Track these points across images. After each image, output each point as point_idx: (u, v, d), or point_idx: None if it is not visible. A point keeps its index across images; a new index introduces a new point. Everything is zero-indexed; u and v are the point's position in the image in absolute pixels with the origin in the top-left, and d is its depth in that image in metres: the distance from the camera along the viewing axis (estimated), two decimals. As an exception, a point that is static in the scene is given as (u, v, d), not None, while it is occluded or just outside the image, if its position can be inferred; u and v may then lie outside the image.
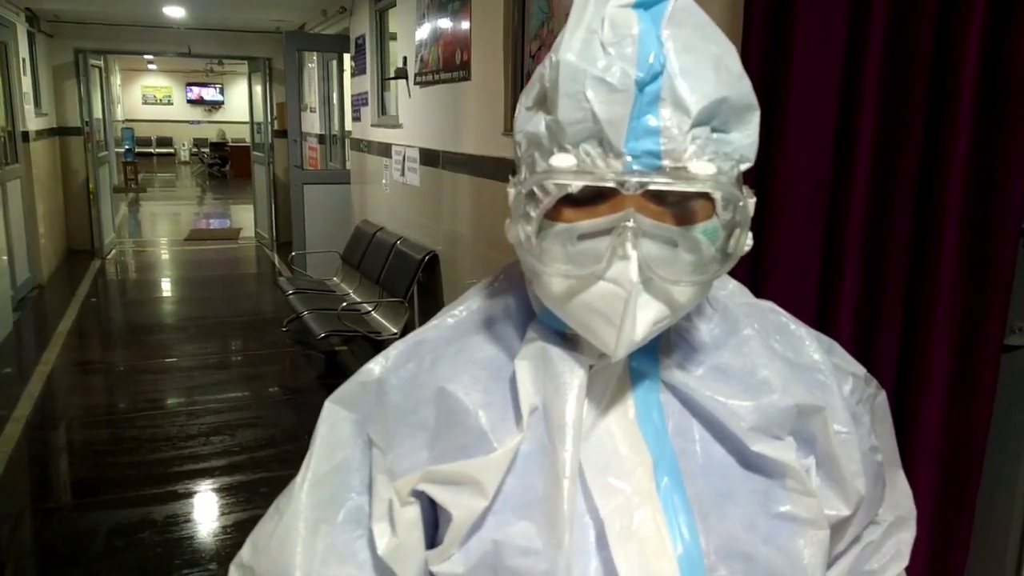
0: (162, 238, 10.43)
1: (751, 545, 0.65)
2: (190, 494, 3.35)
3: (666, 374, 0.67)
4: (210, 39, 9.13)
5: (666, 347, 0.68)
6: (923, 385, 1.40)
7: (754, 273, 1.59)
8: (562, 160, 0.59)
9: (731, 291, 0.75)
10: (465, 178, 4.00)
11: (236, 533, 3.04)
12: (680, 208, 0.59)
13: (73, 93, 8.36)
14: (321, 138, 8.23)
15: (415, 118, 4.79)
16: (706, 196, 0.60)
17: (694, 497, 0.64)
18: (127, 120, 18.48)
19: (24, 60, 6.96)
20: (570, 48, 0.58)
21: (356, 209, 6.39)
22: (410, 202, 4.95)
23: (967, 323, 1.36)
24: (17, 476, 3.56)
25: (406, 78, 4.83)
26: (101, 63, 9.64)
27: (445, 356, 0.71)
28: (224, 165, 18.22)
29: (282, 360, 5.26)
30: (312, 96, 8.42)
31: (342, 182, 6.79)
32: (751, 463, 0.67)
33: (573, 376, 0.65)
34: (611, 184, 0.57)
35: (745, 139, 0.61)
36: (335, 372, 5.05)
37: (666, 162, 0.57)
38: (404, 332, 4.44)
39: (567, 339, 0.68)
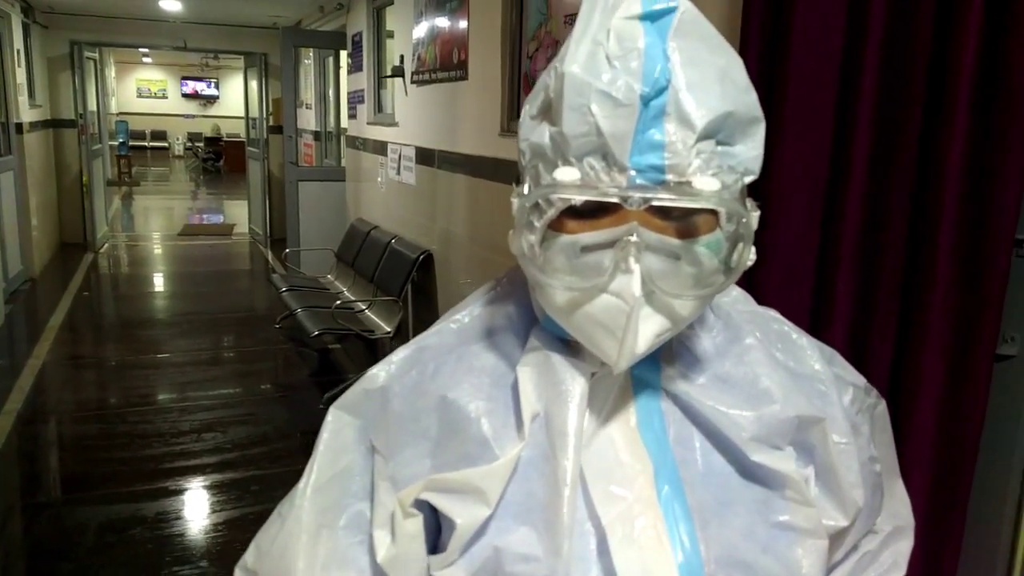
0: (155, 232, 10.39)
1: (750, 554, 0.65)
2: (181, 491, 3.35)
3: (668, 382, 0.68)
4: (206, 33, 9.09)
5: (668, 355, 0.69)
6: (916, 393, 1.40)
7: (749, 278, 1.59)
8: (566, 174, 0.59)
9: (734, 298, 0.76)
10: (461, 178, 4.00)
11: (227, 530, 3.04)
12: (683, 222, 0.60)
13: (68, 85, 8.31)
14: (316, 135, 8.21)
15: (411, 117, 4.78)
16: (710, 210, 0.60)
17: (694, 506, 0.65)
18: (121, 113, 18.39)
19: (19, 51, 6.92)
20: (575, 60, 0.58)
21: (351, 207, 6.38)
22: (405, 201, 4.95)
23: (960, 332, 1.37)
24: (7, 470, 3.54)
25: (403, 76, 4.82)
26: (96, 55, 9.59)
27: (447, 364, 0.71)
28: (218, 160, 18.16)
29: (275, 357, 5.26)
30: (308, 92, 8.40)
31: (337, 179, 6.77)
32: (750, 473, 0.67)
33: (575, 383, 0.65)
34: (615, 200, 0.57)
35: (750, 152, 0.61)
36: (328, 370, 5.04)
37: (670, 177, 0.57)
38: (398, 331, 4.43)
39: (569, 346, 0.68)
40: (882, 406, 0.81)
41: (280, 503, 0.77)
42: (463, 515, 0.65)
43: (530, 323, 0.72)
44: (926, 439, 1.39)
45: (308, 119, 8.36)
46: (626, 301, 0.58)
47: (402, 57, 4.87)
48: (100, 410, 4.27)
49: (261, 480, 3.42)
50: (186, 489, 3.37)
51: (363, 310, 4.93)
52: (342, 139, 7.38)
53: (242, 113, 10.10)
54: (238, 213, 11.09)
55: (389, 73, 5.03)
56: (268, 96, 8.79)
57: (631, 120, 0.56)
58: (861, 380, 0.78)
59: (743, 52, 1.60)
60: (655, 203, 0.57)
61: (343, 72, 7.10)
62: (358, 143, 6.07)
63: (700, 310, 0.63)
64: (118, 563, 2.81)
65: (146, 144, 20.30)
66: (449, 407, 0.69)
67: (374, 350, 5.03)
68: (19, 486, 3.45)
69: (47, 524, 3.06)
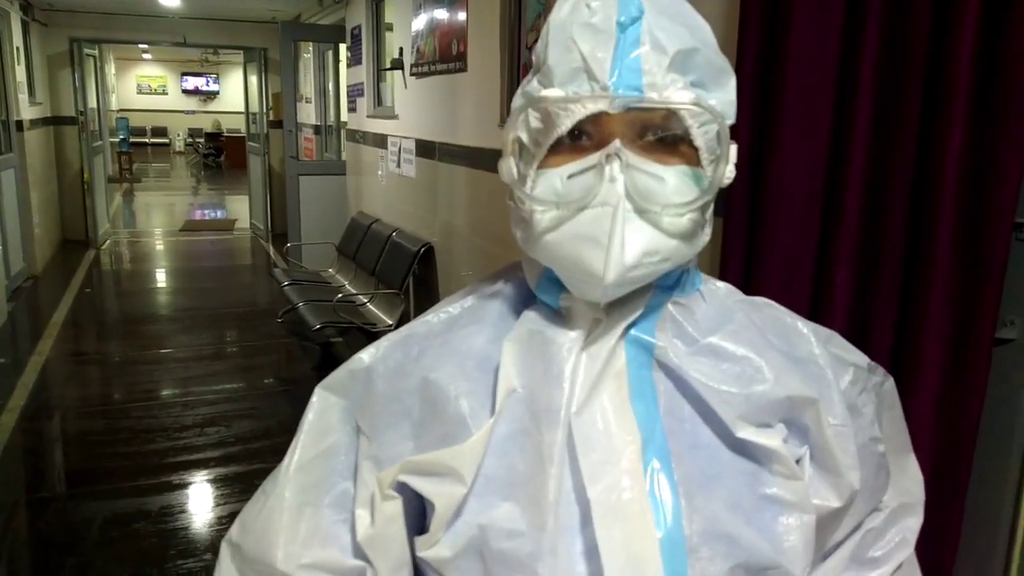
0: (157, 229, 10.39)
1: (734, 527, 0.65)
2: (185, 485, 3.36)
3: (660, 353, 0.68)
4: (205, 28, 9.08)
5: (662, 327, 0.69)
6: (916, 378, 1.40)
7: (749, 265, 1.59)
8: (552, 92, 0.63)
9: (726, 290, 0.76)
10: (461, 170, 4.00)
11: (230, 524, 3.01)
12: (665, 149, 0.62)
13: (68, 82, 8.31)
14: (317, 129, 8.20)
15: (411, 109, 4.78)
16: (690, 145, 0.63)
17: (681, 477, 0.65)
18: (122, 110, 18.39)
19: (18, 49, 6.92)
20: (559, 12, 0.65)
21: (352, 200, 6.38)
22: (406, 193, 4.95)
23: (960, 316, 1.37)
24: (12, 466, 3.55)
25: (402, 69, 4.82)
26: (96, 52, 9.60)
27: (432, 347, 0.72)
28: (219, 155, 18.16)
29: (277, 351, 5.26)
30: (308, 86, 8.39)
31: (338, 173, 6.77)
32: (739, 446, 0.68)
33: (565, 355, 0.66)
34: (599, 107, 0.60)
35: (724, 97, 0.65)
36: (330, 363, 5.02)
37: (649, 95, 0.61)
38: (400, 323, 4.42)
39: (561, 318, 0.69)
40: (889, 383, 0.80)
41: (265, 480, 0.77)
42: (440, 495, 0.65)
43: (523, 308, 0.72)
44: (926, 423, 1.39)
45: (308, 113, 8.35)
46: (610, 204, 0.60)
47: (401, 50, 4.86)
48: (103, 406, 4.29)
49: (264, 474, 3.33)
50: (190, 483, 3.38)
51: (365, 303, 4.94)
52: (342, 133, 7.38)
53: (242, 108, 10.10)
54: (239, 208, 11.09)
55: (388, 66, 5.03)
56: (268, 91, 8.78)
57: (610, 44, 0.61)
58: (863, 359, 0.78)
59: (742, 45, 1.59)
60: (635, 106, 0.60)
61: (342, 66, 7.09)
62: (358, 136, 6.07)
63: (687, 237, 0.64)
64: (123, 557, 2.82)
65: (147, 140, 20.32)
66: (430, 387, 0.69)
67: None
68: (24, 481, 3.47)
69: (52, 519, 3.07)
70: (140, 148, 18.88)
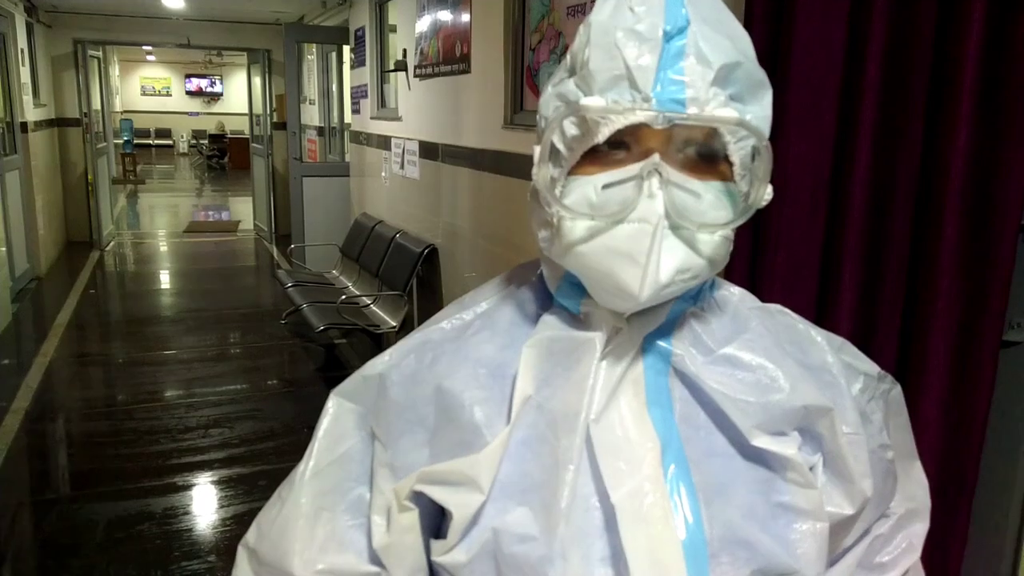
0: (161, 230, 10.41)
1: (751, 533, 0.65)
2: (189, 486, 3.36)
3: (677, 361, 0.68)
4: (209, 30, 9.10)
5: (679, 335, 0.69)
6: (922, 380, 1.40)
7: (753, 267, 1.59)
8: (592, 101, 0.61)
9: (740, 296, 0.76)
10: (465, 171, 3.99)
11: (235, 525, 3.05)
12: (702, 165, 0.62)
13: (72, 84, 8.33)
14: (320, 130, 8.20)
15: (415, 111, 4.78)
16: (726, 160, 0.62)
17: (699, 484, 0.65)
18: (126, 111, 18.44)
19: (23, 51, 6.93)
20: (601, 13, 0.62)
21: (355, 202, 6.38)
22: (409, 195, 4.95)
23: (966, 318, 1.36)
24: (16, 468, 3.56)
25: (406, 70, 4.82)
26: (100, 54, 9.61)
27: (445, 354, 0.72)
28: (223, 157, 18.18)
29: (281, 353, 5.27)
30: (311, 88, 8.40)
31: (341, 175, 6.77)
32: (753, 454, 0.68)
33: (585, 361, 0.66)
34: (641, 119, 0.59)
35: (761, 112, 0.64)
36: (334, 365, 5.05)
37: (691, 109, 0.59)
38: (403, 325, 4.44)
39: (581, 323, 0.68)
40: (896, 390, 0.81)
41: (280, 486, 0.78)
42: (458, 504, 0.65)
43: (540, 312, 0.72)
44: (932, 425, 1.39)
45: (312, 115, 8.36)
46: (650, 222, 0.59)
47: (405, 51, 4.87)
48: (108, 407, 4.29)
49: (268, 475, 3.43)
50: (194, 485, 3.38)
51: (368, 305, 4.94)
52: (346, 134, 7.38)
53: (246, 110, 10.11)
54: (243, 210, 11.11)
55: (392, 67, 5.03)
56: (272, 92, 8.79)
57: (654, 54, 0.60)
58: (874, 368, 0.78)
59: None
60: (679, 122, 0.59)
61: (346, 67, 7.10)
62: (362, 138, 6.07)
63: (719, 257, 0.64)
64: (127, 559, 2.82)
65: (151, 142, 20.36)
66: (444, 395, 0.69)
67: (380, 344, 5.04)
68: (28, 483, 3.47)
69: (56, 520, 3.07)
70: (144, 150, 18.92)
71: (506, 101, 3.43)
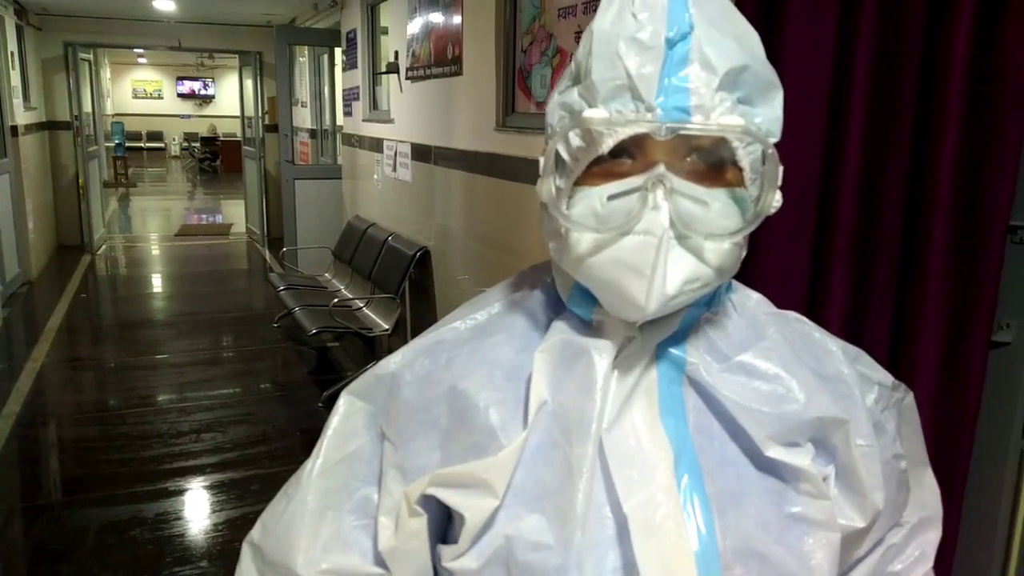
0: (152, 233, 10.38)
1: (764, 544, 0.65)
2: (181, 491, 3.35)
3: (691, 369, 0.67)
4: (200, 33, 9.07)
5: (694, 343, 0.68)
6: (911, 381, 1.39)
7: (744, 267, 1.59)
8: (595, 113, 0.60)
9: (756, 301, 0.75)
10: (457, 173, 3.99)
11: (227, 530, 3.04)
12: (709, 172, 0.61)
13: (62, 87, 8.30)
14: (312, 133, 8.19)
15: (407, 113, 4.78)
16: (734, 165, 0.61)
17: (712, 495, 0.64)
18: (117, 114, 18.37)
19: (12, 53, 6.90)
20: (603, 20, 0.62)
21: (347, 205, 6.37)
22: (402, 197, 4.94)
23: (955, 319, 1.36)
24: (7, 473, 3.54)
25: (397, 73, 4.81)
26: (91, 57, 9.58)
27: (460, 355, 0.71)
28: (215, 160, 18.14)
29: (273, 356, 5.25)
30: (303, 91, 8.38)
31: (334, 177, 6.76)
32: (766, 464, 0.67)
33: (597, 369, 0.65)
34: (644, 130, 0.58)
35: (770, 114, 0.63)
36: (326, 368, 5.04)
37: (696, 117, 0.59)
38: (396, 328, 4.43)
39: (593, 330, 0.68)
40: (909, 397, 0.80)
41: (287, 483, 0.77)
42: (471, 509, 0.64)
43: (550, 318, 0.71)
44: (922, 427, 1.39)
45: (304, 117, 8.34)
46: (654, 235, 0.58)
47: (396, 53, 4.86)
48: (99, 412, 4.27)
49: (261, 479, 3.42)
50: (186, 490, 3.37)
51: (361, 308, 4.93)
52: (338, 137, 7.37)
53: (238, 112, 10.08)
54: (235, 213, 11.07)
55: (384, 70, 5.02)
56: (263, 95, 8.77)
57: (657, 62, 0.59)
58: (888, 378, 0.78)
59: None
60: (683, 132, 0.58)
61: (338, 69, 7.09)
62: (354, 140, 6.06)
63: (726, 266, 0.63)
64: (119, 564, 2.81)
65: (142, 145, 20.28)
66: (458, 397, 0.68)
67: (372, 348, 5.03)
68: (19, 489, 3.45)
69: (47, 526, 3.06)
70: (136, 153, 18.85)
71: (498, 103, 3.43)
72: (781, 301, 0.81)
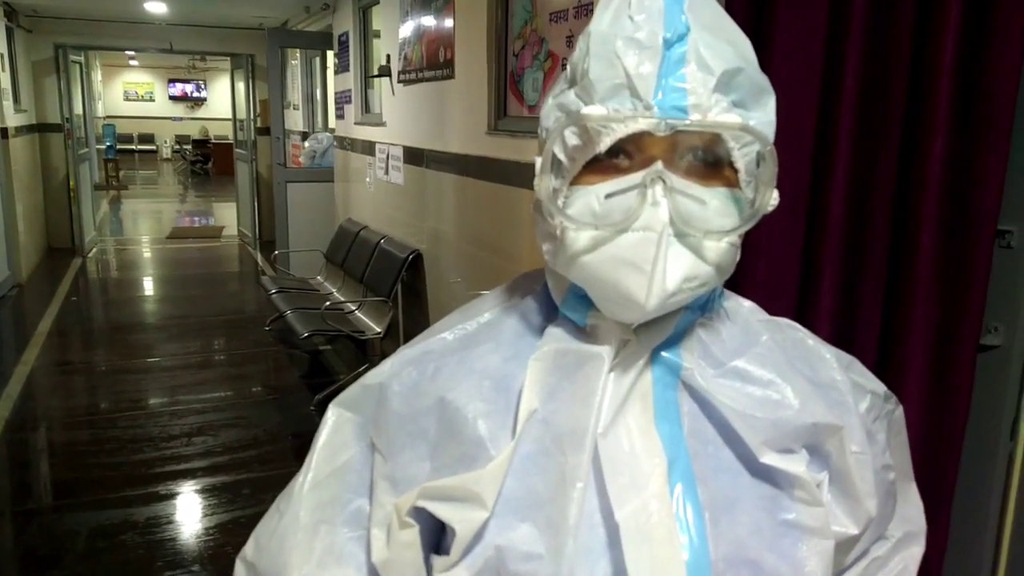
0: (144, 236, 10.34)
1: (757, 552, 0.65)
2: (172, 495, 3.33)
3: (686, 374, 0.67)
4: (192, 35, 9.05)
5: (688, 347, 0.68)
6: (901, 385, 1.41)
7: (735, 273, 1.59)
8: (593, 110, 0.60)
9: (749, 308, 0.75)
10: (449, 177, 3.99)
11: (218, 534, 3.03)
12: (706, 172, 0.61)
13: (53, 89, 8.26)
14: (304, 136, 8.18)
15: (399, 116, 4.78)
16: (730, 166, 0.62)
17: (706, 501, 0.64)
18: (108, 116, 18.29)
19: (2, 55, 6.87)
20: (600, 22, 0.62)
21: (340, 207, 6.36)
22: (394, 200, 4.94)
23: (944, 323, 1.37)
24: (-4, 478, 3.52)
25: (389, 76, 4.81)
26: (82, 59, 9.54)
27: (448, 365, 0.71)
28: (207, 162, 18.08)
29: (265, 360, 5.24)
30: (295, 93, 8.37)
31: (326, 180, 6.76)
32: (759, 471, 0.67)
33: (593, 377, 0.65)
34: (643, 127, 0.58)
35: (764, 118, 0.64)
36: (319, 372, 5.03)
37: (693, 116, 0.59)
38: (388, 331, 4.42)
39: (587, 334, 0.68)
40: (899, 411, 0.81)
41: (278, 497, 0.77)
42: (461, 521, 0.64)
43: (545, 324, 0.71)
44: (911, 430, 1.39)
45: (296, 120, 8.33)
46: (654, 230, 0.58)
47: (389, 56, 4.86)
48: (90, 416, 4.25)
49: (252, 483, 3.41)
50: (177, 493, 3.35)
51: (353, 311, 4.92)
52: (324, 135, 7.36)
53: (230, 115, 10.06)
54: (227, 215, 11.04)
55: (376, 73, 5.02)
56: (255, 97, 8.75)
57: (655, 62, 0.59)
58: (880, 387, 0.78)
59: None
60: (682, 128, 0.59)
61: (330, 72, 7.08)
62: (346, 143, 6.06)
63: (725, 264, 0.63)
64: (109, 569, 2.79)
65: (134, 147, 20.21)
66: (447, 408, 0.68)
67: (365, 351, 5.02)
68: (9, 493, 3.43)
69: (37, 531, 3.04)
70: (127, 155, 18.78)
71: (490, 107, 3.44)
72: (772, 306, 0.82)
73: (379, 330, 4.48)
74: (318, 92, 8.00)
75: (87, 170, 9.17)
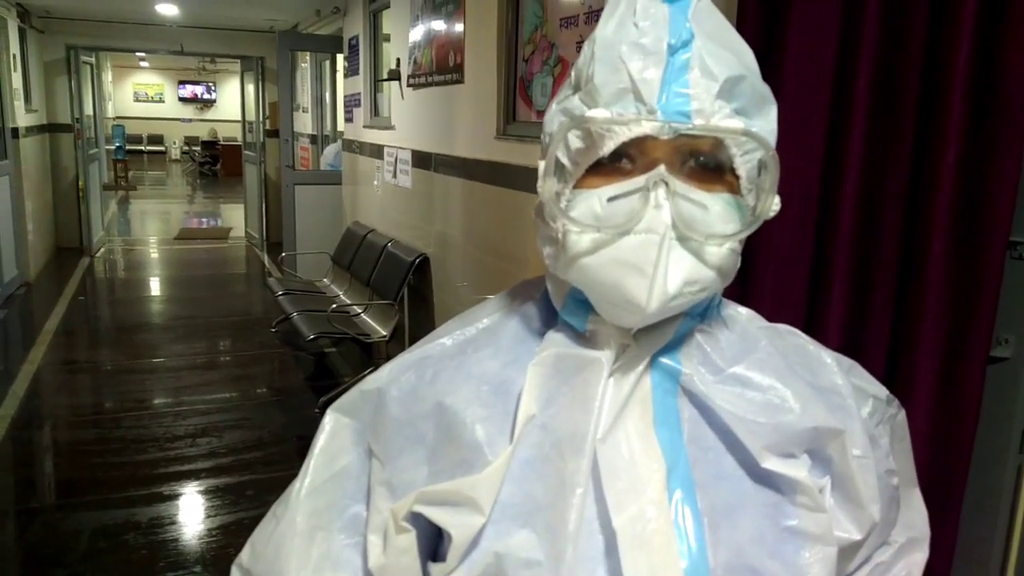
0: (151, 237, 10.38)
1: (758, 559, 0.64)
2: (176, 496, 3.33)
3: (686, 380, 0.67)
4: (203, 37, 9.09)
5: (688, 354, 0.68)
6: (910, 395, 1.40)
7: (743, 282, 1.59)
8: (597, 112, 0.61)
9: (748, 316, 0.75)
10: (457, 181, 3.99)
11: (222, 536, 3.02)
12: (708, 177, 0.61)
13: (64, 90, 8.31)
14: (313, 138, 8.20)
15: (408, 120, 4.78)
16: (732, 173, 0.62)
17: (706, 508, 0.64)
18: (118, 117, 18.39)
19: (15, 56, 6.91)
20: (605, 28, 0.63)
21: (347, 210, 6.38)
22: (401, 204, 4.95)
23: (954, 334, 1.36)
24: (1, 476, 3.53)
25: (399, 80, 4.82)
26: (92, 60, 9.59)
27: (446, 370, 0.71)
28: (215, 164, 18.16)
29: (271, 361, 5.24)
30: (304, 96, 8.40)
31: (334, 183, 6.77)
32: (762, 476, 0.66)
33: (594, 381, 0.65)
34: (647, 131, 0.59)
35: (766, 126, 0.64)
36: (324, 374, 5.03)
37: (697, 121, 0.59)
38: (394, 335, 4.42)
39: (587, 339, 0.67)
40: (902, 415, 0.80)
41: (275, 504, 0.76)
42: (457, 526, 0.63)
43: (544, 330, 0.71)
44: (920, 442, 1.39)
45: (305, 123, 8.35)
46: (656, 232, 0.58)
47: (398, 60, 4.87)
48: (95, 415, 4.26)
49: (256, 485, 3.41)
50: (180, 494, 3.35)
51: (359, 314, 4.92)
52: (338, 143, 7.38)
53: (239, 117, 10.10)
54: (235, 217, 11.08)
55: (385, 76, 5.03)
56: (265, 100, 8.78)
57: (659, 67, 0.60)
58: (882, 391, 0.77)
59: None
60: (686, 132, 0.59)
61: (339, 76, 7.10)
62: (354, 146, 6.07)
63: (726, 269, 0.63)
64: (111, 569, 2.79)
65: (143, 148, 20.29)
66: (445, 413, 0.68)
67: (370, 354, 5.02)
68: (13, 491, 3.44)
69: (40, 530, 3.04)
70: (136, 156, 18.86)
71: (499, 112, 3.44)
72: (780, 315, 0.81)
73: (385, 333, 4.48)
74: (327, 95, 8.02)
75: (96, 170, 9.21)
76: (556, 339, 0.68)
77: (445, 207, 4.22)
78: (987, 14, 1.28)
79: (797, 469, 0.66)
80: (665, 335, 0.66)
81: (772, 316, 0.78)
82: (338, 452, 0.73)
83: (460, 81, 3.88)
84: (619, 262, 0.60)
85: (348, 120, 6.29)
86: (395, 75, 4.85)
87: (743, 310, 0.75)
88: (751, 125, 0.62)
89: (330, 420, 0.75)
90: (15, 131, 6.78)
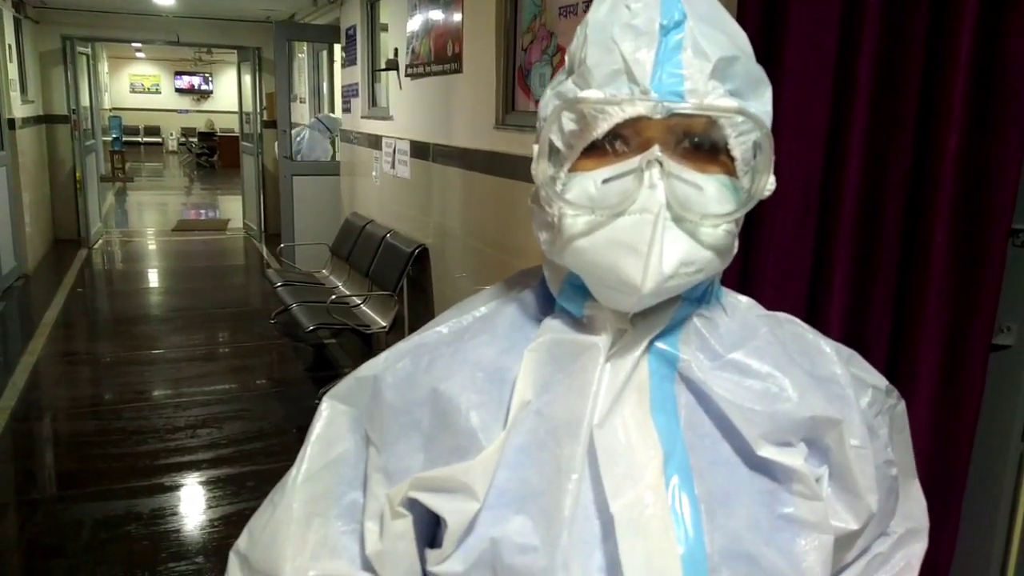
0: (149, 228, 10.35)
1: (754, 546, 0.64)
2: (176, 487, 3.34)
3: (684, 367, 0.67)
4: (199, 27, 9.05)
5: (686, 340, 0.68)
6: (911, 384, 1.40)
7: (744, 271, 1.59)
8: (590, 93, 0.61)
9: (747, 304, 0.75)
10: (456, 171, 3.99)
11: (223, 526, 3.03)
12: (702, 158, 0.61)
13: (60, 80, 8.27)
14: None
15: (406, 110, 4.77)
16: (727, 154, 0.62)
17: (702, 495, 0.64)
18: (115, 108, 18.33)
19: (10, 46, 6.88)
20: (597, 12, 0.63)
21: (346, 201, 6.37)
22: (400, 195, 4.94)
23: (956, 322, 1.36)
24: (1, 467, 3.53)
25: (397, 70, 4.80)
26: (88, 50, 9.55)
27: (442, 357, 0.71)
28: (212, 155, 18.10)
29: (270, 352, 5.24)
30: (302, 87, 8.37)
31: (332, 174, 6.75)
32: (758, 464, 0.66)
33: (591, 367, 0.64)
34: (640, 111, 0.59)
35: (761, 108, 0.64)
36: (323, 365, 5.04)
37: (690, 100, 0.59)
38: (393, 326, 4.42)
39: (584, 326, 0.67)
40: (901, 405, 0.80)
41: (273, 490, 0.76)
42: (452, 512, 0.64)
43: (541, 317, 0.71)
44: (922, 430, 1.39)
45: (302, 113, 8.32)
46: (651, 211, 0.58)
47: (396, 50, 4.85)
48: (95, 406, 4.26)
49: (256, 475, 3.41)
50: (181, 485, 3.36)
51: (358, 305, 4.92)
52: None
53: (236, 108, 10.06)
54: (232, 208, 11.06)
55: (383, 66, 5.01)
56: (262, 90, 8.75)
57: (652, 48, 0.60)
58: (882, 381, 0.77)
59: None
60: (680, 111, 0.59)
61: (337, 66, 7.07)
62: (352, 137, 6.05)
63: (722, 250, 0.62)
64: (113, 560, 2.80)
65: (140, 139, 20.22)
66: (440, 399, 0.68)
67: (370, 345, 5.02)
68: (14, 483, 3.44)
69: (42, 521, 3.05)
70: (133, 147, 18.79)
71: (498, 101, 3.43)
72: (781, 302, 0.81)
73: (384, 324, 4.48)
74: (325, 85, 8.00)
75: (93, 162, 9.18)
76: (552, 325, 0.68)
77: (444, 198, 4.21)
78: (989, 1, 1.27)
79: (793, 457, 0.66)
80: (662, 320, 0.66)
81: (773, 305, 0.78)
82: (334, 439, 0.73)
83: (459, 71, 3.87)
84: (614, 243, 0.60)
85: (346, 110, 6.27)
86: (393, 65, 4.83)
87: (743, 298, 0.75)
88: (746, 106, 0.62)
89: (326, 407, 0.75)
90: (11, 122, 6.75)
